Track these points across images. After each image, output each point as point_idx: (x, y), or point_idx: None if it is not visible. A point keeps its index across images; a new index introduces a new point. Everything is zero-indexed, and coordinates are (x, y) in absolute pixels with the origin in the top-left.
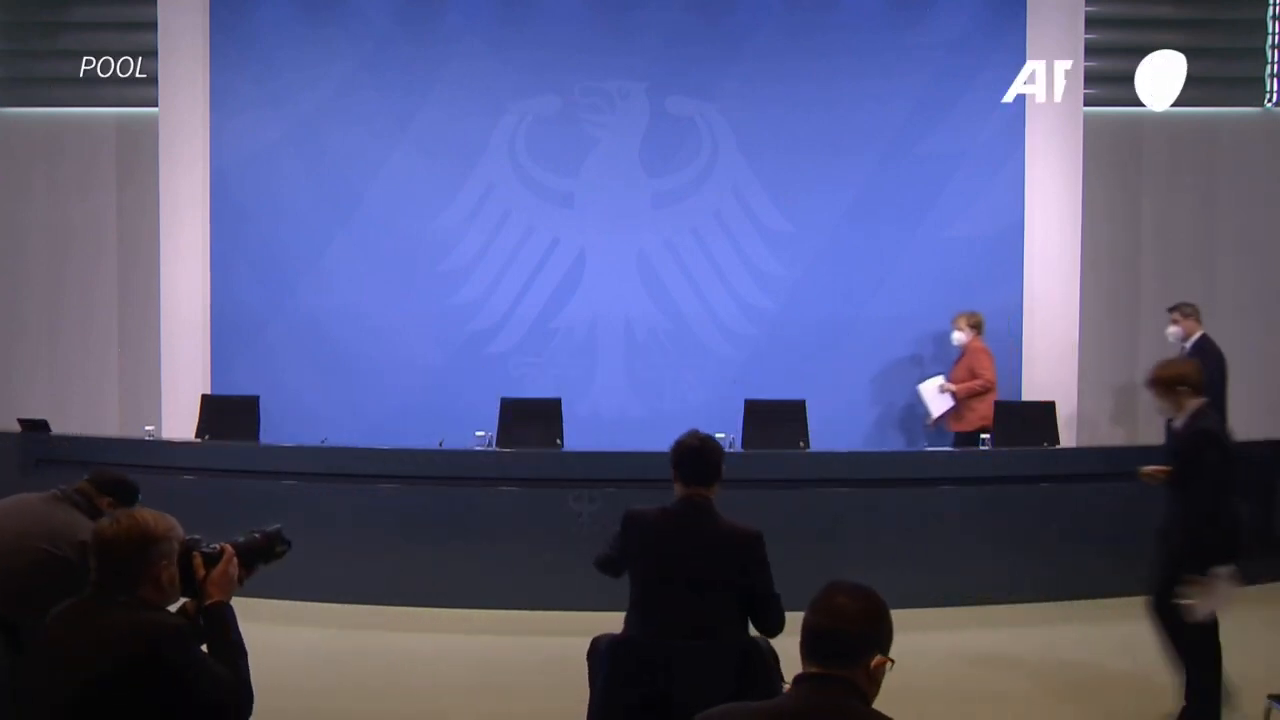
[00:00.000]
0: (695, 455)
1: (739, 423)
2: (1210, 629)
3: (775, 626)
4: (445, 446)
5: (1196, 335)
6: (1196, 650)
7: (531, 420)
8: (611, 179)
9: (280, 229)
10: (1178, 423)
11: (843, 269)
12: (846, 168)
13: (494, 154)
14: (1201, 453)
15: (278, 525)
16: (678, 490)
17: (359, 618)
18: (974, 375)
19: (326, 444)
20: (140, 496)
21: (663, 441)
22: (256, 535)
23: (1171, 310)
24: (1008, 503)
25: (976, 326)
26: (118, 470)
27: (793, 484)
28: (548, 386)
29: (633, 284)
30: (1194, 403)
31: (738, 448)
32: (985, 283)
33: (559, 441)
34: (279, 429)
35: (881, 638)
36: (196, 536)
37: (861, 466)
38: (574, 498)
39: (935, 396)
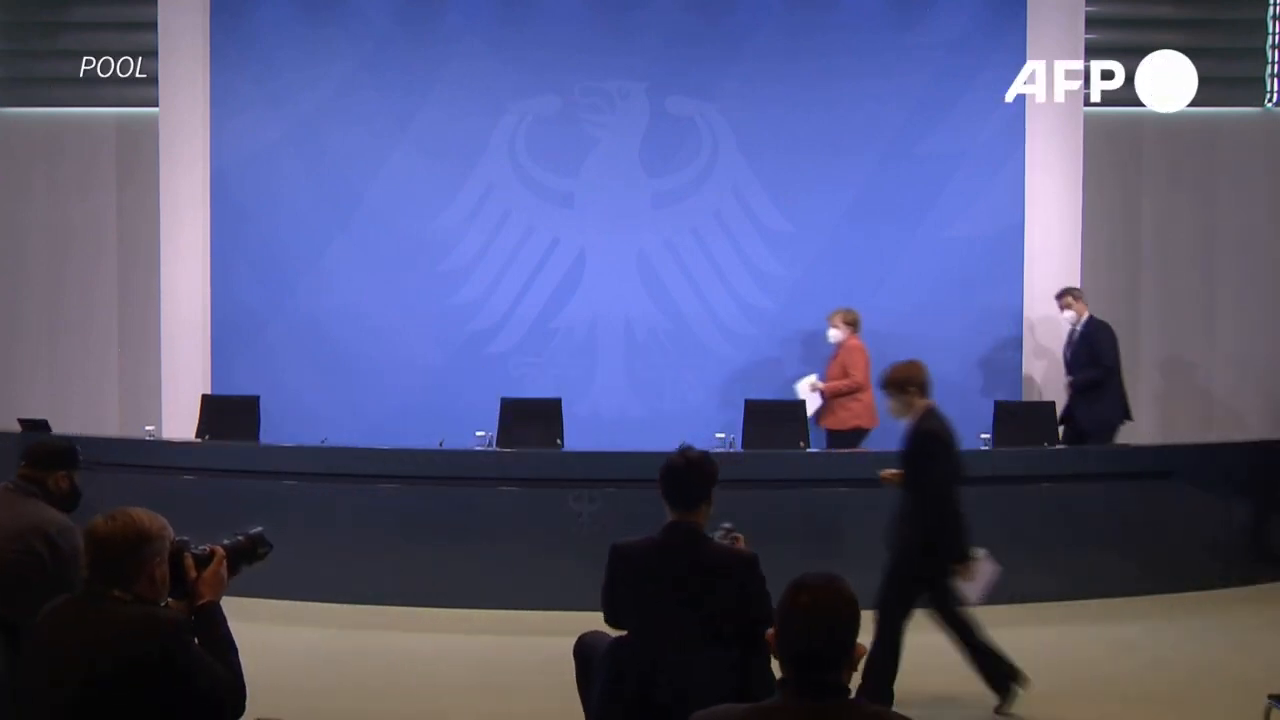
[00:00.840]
0: (682, 478)
1: (739, 423)
2: (892, 637)
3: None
4: (445, 446)
5: (1085, 317)
6: (879, 644)
7: (532, 420)
8: (611, 179)
9: (280, 229)
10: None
11: (843, 269)
12: (846, 168)
13: (494, 154)
14: (926, 453)
15: (259, 528)
16: (669, 514)
17: (359, 618)
18: (846, 374)
19: (326, 444)
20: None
21: (663, 441)
22: (240, 537)
23: (1060, 297)
24: (1007, 503)
25: (853, 324)
26: (46, 436)
27: (793, 484)
28: (548, 386)
29: (633, 284)
30: (922, 403)
31: (738, 448)
32: (985, 282)
33: (559, 442)
34: (279, 429)
35: (857, 628)
36: (185, 538)
37: (862, 466)
38: (574, 498)
39: (808, 394)
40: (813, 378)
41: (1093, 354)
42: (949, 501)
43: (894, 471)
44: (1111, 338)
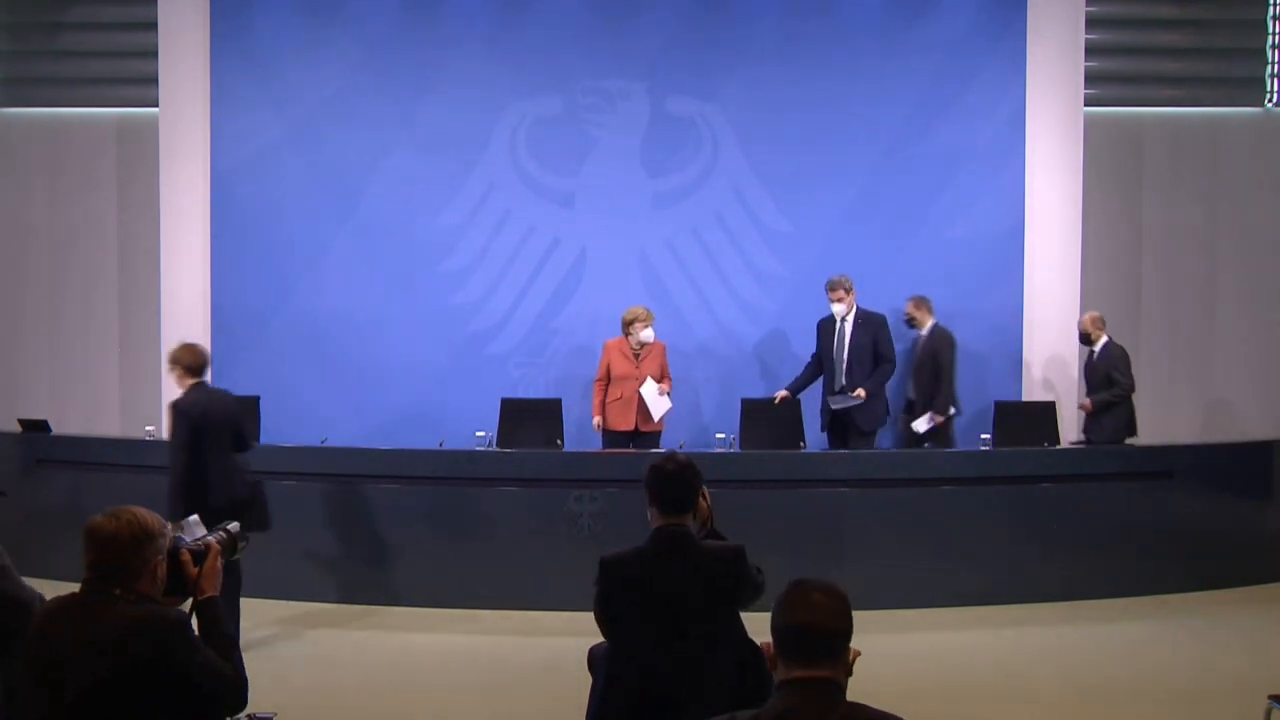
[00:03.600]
0: (675, 482)
1: (738, 423)
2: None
3: (760, 589)
4: (445, 447)
5: (929, 325)
6: None
7: (532, 421)
8: (612, 179)
9: (281, 229)
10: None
11: (842, 269)
12: (847, 167)
13: (494, 154)
14: (174, 427)
15: (235, 522)
16: (654, 519)
17: (359, 618)
18: (665, 375)
19: (326, 444)
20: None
21: (663, 441)
22: (223, 533)
23: (910, 301)
24: (1007, 503)
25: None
26: None
27: (791, 484)
28: (548, 387)
29: (633, 284)
30: (190, 381)
31: (736, 448)
32: (985, 283)
33: (559, 442)
34: (279, 429)
35: (852, 630)
36: (177, 534)
37: (860, 466)
38: (574, 498)
39: (655, 399)
40: (654, 384)
41: (1110, 377)
42: (186, 469)
43: None
44: (1128, 362)
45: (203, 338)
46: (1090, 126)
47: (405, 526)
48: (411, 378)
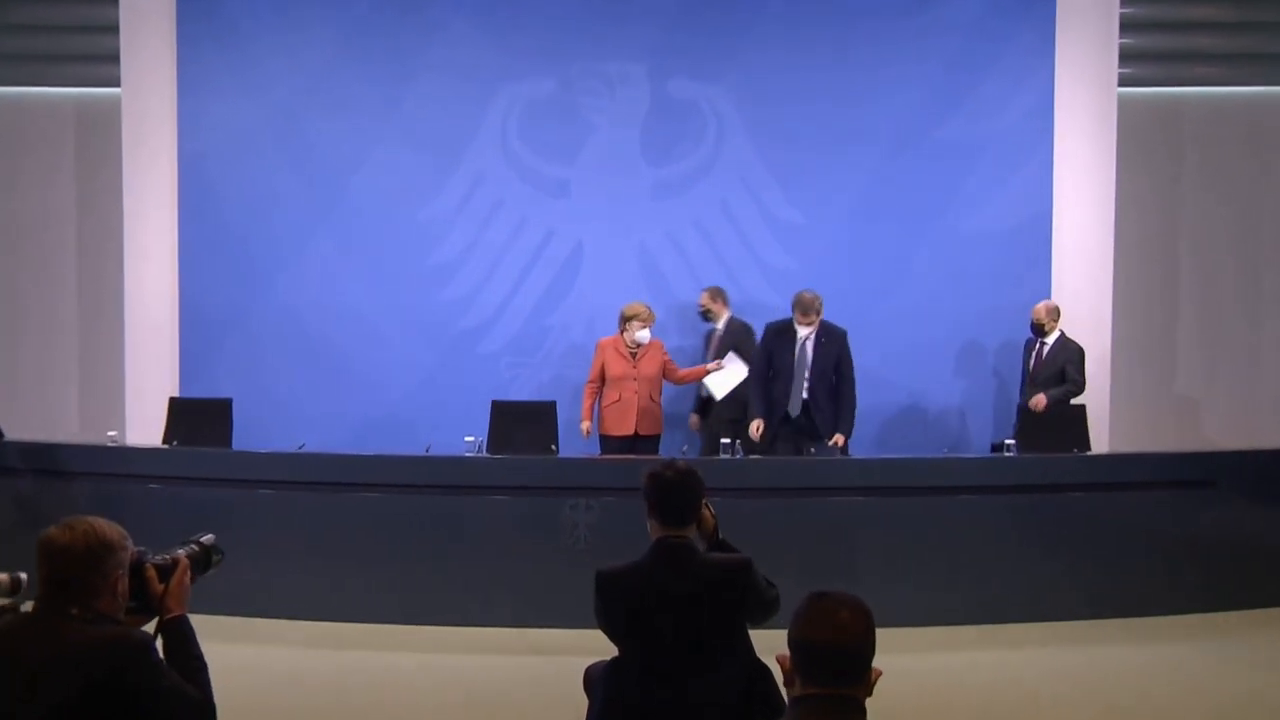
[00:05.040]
0: (676, 491)
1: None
2: None
3: (774, 605)
4: (432, 453)
5: (725, 317)
6: None
7: (525, 425)
8: (610, 167)
9: (255, 221)
10: None
11: (856, 264)
12: (861, 155)
13: (484, 141)
14: None
15: (211, 534)
16: (654, 531)
17: (339, 635)
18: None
19: (305, 450)
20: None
21: (665, 446)
22: (194, 545)
23: (706, 292)
24: (1033, 513)
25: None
26: None
27: (800, 492)
28: (542, 389)
29: (633, 279)
30: None
31: (740, 454)
32: (1010, 277)
33: (554, 447)
34: (254, 434)
35: (874, 647)
36: (142, 548)
37: (874, 473)
38: (570, 507)
39: (724, 377)
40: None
41: (1064, 373)
42: None
43: None
44: (1083, 358)
45: (170, 336)
46: (1124, 108)
47: (388, 538)
48: (397, 378)
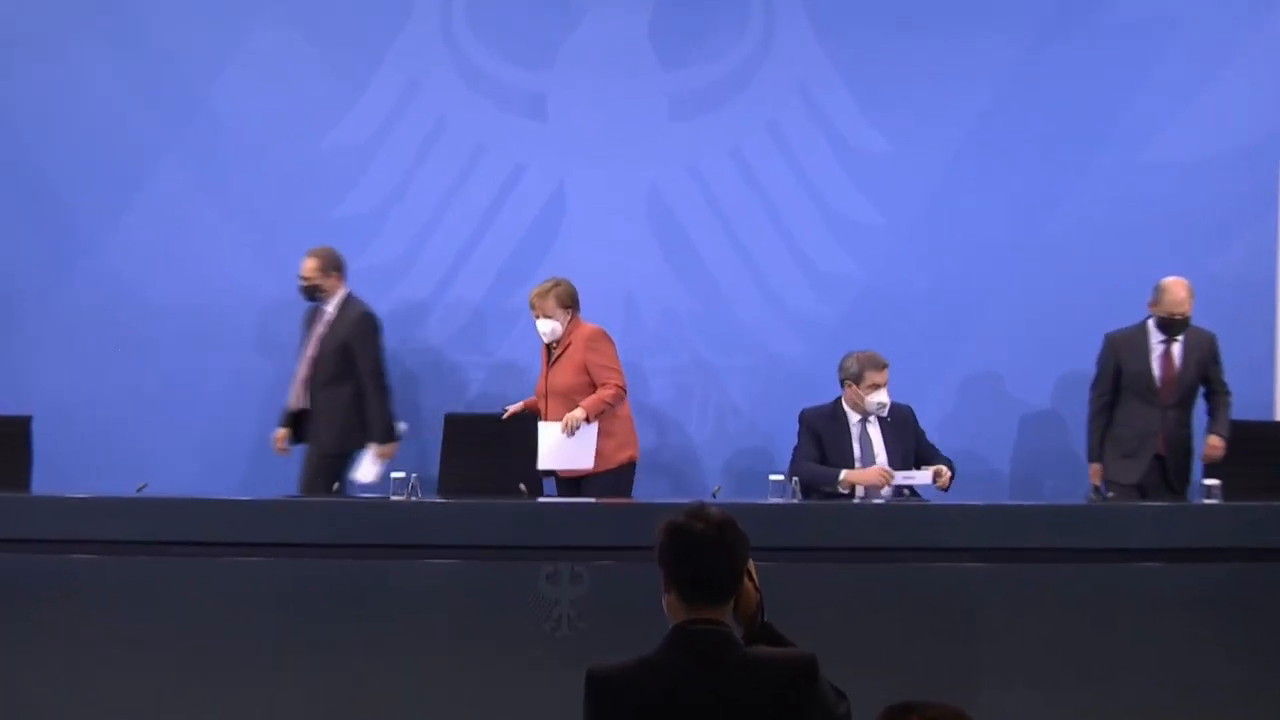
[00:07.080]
0: (708, 553)
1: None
2: None
3: None
4: (345, 495)
5: (340, 295)
6: None
7: (484, 451)
8: (606, 73)
9: (64, 154)
10: None
11: (972, 216)
12: (982, 52)
13: (417, 31)
14: None
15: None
16: (673, 611)
17: None
18: (604, 378)
19: (146, 493)
20: None
21: (685, 485)
22: None
23: (313, 258)
24: (1248, 588)
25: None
26: None
27: (882, 554)
28: (507, 396)
29: (640, 239)
30: None
31: (795, 496)
32: (1213, 232)
33: (523, 488)
34: (66, 470)
35: None
36: None
37: (1000, 528)
38: (548, 575)
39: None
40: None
41: (1207, 379)
42: None
43: None
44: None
45: None
46: None
47: (277, 624)
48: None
